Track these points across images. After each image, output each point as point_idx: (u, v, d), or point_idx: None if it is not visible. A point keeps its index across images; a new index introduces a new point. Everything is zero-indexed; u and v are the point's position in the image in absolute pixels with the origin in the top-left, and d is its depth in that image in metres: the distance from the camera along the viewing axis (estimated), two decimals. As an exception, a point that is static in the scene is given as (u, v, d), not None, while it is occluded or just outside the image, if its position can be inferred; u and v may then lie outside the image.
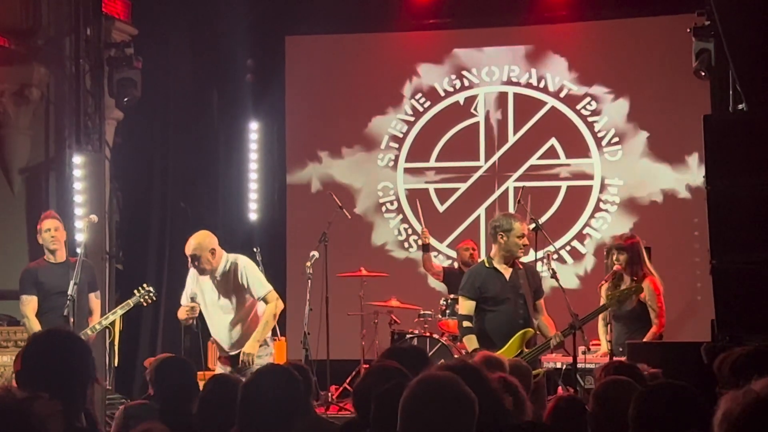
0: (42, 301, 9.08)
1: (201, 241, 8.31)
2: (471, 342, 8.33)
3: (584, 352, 9.03)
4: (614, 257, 9.16)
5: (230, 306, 8.43)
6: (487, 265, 8.61)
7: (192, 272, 8.48)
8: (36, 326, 9.00)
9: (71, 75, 11.48)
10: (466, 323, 8.46)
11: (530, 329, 8.33)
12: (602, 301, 9.07)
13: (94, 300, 9.32)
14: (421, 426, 3.38)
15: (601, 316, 9.14)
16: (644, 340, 8.87)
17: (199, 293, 8.46)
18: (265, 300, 8.40)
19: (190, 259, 8.29)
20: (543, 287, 8.72)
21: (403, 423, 3.43)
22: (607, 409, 4.30)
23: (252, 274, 8.41)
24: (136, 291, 9.31)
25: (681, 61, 11.92)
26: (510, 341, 8.27)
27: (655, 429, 3.65)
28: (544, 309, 8.62)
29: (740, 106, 9.06)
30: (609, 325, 9.08)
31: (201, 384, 5.71)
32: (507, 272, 8.49)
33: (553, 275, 8.83)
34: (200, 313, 8.47)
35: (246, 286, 8.35)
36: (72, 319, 8.66)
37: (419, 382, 3.50)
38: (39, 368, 3.70)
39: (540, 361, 8.55)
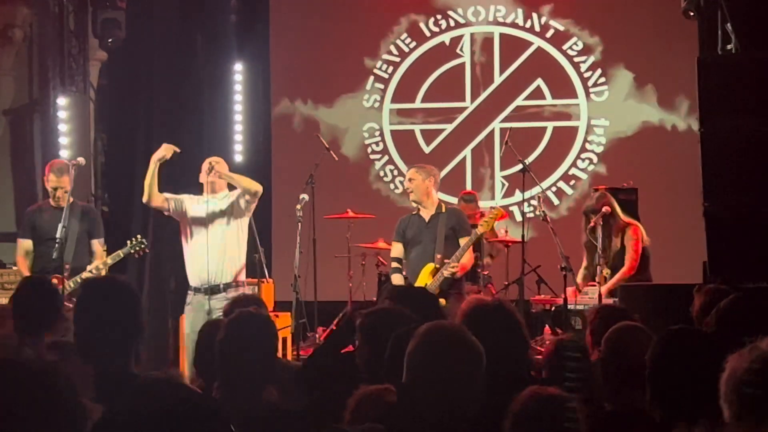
0: (38, 244, 9.04)
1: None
2: (395, 280, 9.30)
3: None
4: (591, 220, 9.26)
5: (215, 232, 8.66)
6: (413, 212, 9.48)
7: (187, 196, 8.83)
8: (24, 270, 8.97)
9: (54, 15, 11.35)
10: (394, 264, 9.43)
11: (430, 264, 9.09)
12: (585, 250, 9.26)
13: (98, 247, 9.22)
14: (428, 377, 3.37)
15: (585, 262, 9.32)
16: (613, 281, 9.01)
17: (192, 220, 8.73)
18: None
19: (209, 165, 8.83)
20: (466, 228, 9.32)
21: (410, 373, 3.42)
22: (619, 354, 4.29)
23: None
24: (128, 242, 9.26)
25: (669, 1, 11.86)
26: (419, 277, 9.10)
27: (677, 373, 3.63)
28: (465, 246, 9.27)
29: (729, 47, 9.03)
30: (599, 266, 9.15)
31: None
32: (427, 216, 9.35)
33: (544, 218, 8.92)
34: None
35: (236, 195, 8.79)
36: (66, 264, 8.62)
37: (426, 333, 3.48)
38: (94, 316, 3.73)
39: (446, 292, 9.00)
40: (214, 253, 8.61)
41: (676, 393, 3.61)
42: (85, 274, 8.87)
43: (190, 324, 8.64)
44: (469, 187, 13.07)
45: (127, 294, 3.96)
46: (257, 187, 8.85)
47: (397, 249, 9.46)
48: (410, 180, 9.41)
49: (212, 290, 8.58)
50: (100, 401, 2.86)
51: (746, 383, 2.79)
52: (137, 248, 9.25)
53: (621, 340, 4.36)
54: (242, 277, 8.85)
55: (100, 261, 9.17)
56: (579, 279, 9.42)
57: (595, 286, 9.19)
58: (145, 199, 8.81)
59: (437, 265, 9.08)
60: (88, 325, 3.79)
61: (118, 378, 3.52)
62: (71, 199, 9.07)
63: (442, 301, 8.78)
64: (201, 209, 8.73)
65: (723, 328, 4.56)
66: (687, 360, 3.60)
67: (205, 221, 8.67)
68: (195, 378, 5.45)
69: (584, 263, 9.51)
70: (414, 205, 9.44)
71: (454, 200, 11.94)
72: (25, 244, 9.06)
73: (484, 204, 12.80)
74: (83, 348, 3.80)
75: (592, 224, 9.28)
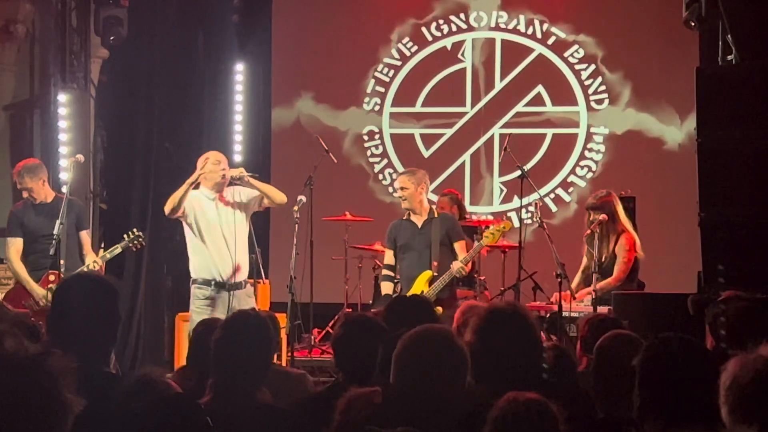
0: (29, 243, 9.02)
1: None
2: (384, 288, 9.34)
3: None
4: (591, 217, 9.22)
5: (230, 229, 8.63)
6: (404, 218, 9.42)
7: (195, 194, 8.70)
8: (20, 268, 8.95)
9: (57, 12, 11.34)
10: (385, 271, 9.45)
11: (428, 271, 9.03)
12: (585, 252, 9.19)
13: (85, 237, 9.25)
14: (414, 379, 3.41)
15: (583, 266, 9.29)
16: (597, 287, 8.94)
17: (200, 214, 8.66)
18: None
19: (219, 162, 8.77)
20: (459, 233, 9.38)
21: (396, 375, 3.46)
22: (611, 363, 4.30)
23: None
24: (125, 236, 9.26)
25: (670, 11, 11.87)
26: (414, 284, 9.03)
27: (662, 382, 3.64)
28: (460, 252, 9.22)
29: (729, 58, 9.04)
30: (594, 273, 9.13)
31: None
32: (420, 222, 9.28)
33: (541, 224, 8.93)
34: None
35: (249, 195, 8.77)
36: (61, 260, 8.63)
37: (412, 335, 3.52)
38: (70, 312, 3.69)
39: (445, 300, 9.01)
40: (240, 249, 8.69)
41: (665, 400, 3.62)
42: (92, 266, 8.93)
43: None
44: (468, 192, 13.11)
45: (104, 291, 3.88)
46: (283, 198, 8.92)
47: (388, 256, 9.45)
48: (402, 188, 9.31)
49: (235, 286, 8.62)
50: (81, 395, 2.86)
51: (746, 386, 2.83)
52: (134, 242, 9.27)
53: (612, 348, 4.37)
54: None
55: (98, 256, 9.19)
56: (574, 283, 9.41)
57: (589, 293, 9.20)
58: (168, 212, 8.69)
59: (435, 273, 9.03)
60: (63, 324, 3.73)
61: (93, 378, 3.49)
62: (54, 194, 9.12)
63: (439, 309, 8.83)
64: (213, 206, 8.70)
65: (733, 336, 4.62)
66: (676, 367, 3.61)
67: (226, 217, 8.67)
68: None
69: (582, 266, 9.47)
70: (406, 211, 9.41)
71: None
72: (17, 242, 9.04)
73: (481, 209, 12.86)
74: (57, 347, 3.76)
75: (588, 232, 9.27)
